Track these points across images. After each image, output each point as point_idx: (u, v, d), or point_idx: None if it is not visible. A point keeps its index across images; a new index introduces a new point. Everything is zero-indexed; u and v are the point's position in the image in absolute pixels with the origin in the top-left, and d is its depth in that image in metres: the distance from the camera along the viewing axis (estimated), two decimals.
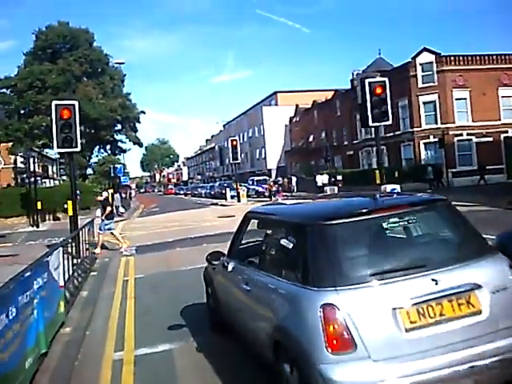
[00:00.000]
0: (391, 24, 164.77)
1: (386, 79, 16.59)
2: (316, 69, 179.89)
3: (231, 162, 35.90)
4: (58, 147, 12.89)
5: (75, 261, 10.54)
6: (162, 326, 6.67)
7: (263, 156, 67.42)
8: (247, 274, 4.85)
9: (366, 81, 15.19)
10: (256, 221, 5.56)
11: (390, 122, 15.93)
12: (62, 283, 7.24)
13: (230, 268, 5.34)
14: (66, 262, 8.03)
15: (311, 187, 45.02)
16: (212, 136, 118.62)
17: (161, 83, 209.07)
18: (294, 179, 54.39)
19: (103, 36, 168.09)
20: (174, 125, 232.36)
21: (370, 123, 14.92)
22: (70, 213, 14.19)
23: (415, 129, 38.16)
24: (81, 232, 12.64)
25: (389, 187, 14.56)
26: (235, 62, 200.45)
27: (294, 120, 63.61)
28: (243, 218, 5.76)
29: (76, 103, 13.10)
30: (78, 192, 32.90)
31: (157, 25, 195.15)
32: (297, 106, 62.50)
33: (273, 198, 36.30)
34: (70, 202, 14.48)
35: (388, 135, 40.05)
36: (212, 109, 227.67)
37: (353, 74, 52.51)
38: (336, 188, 35.91)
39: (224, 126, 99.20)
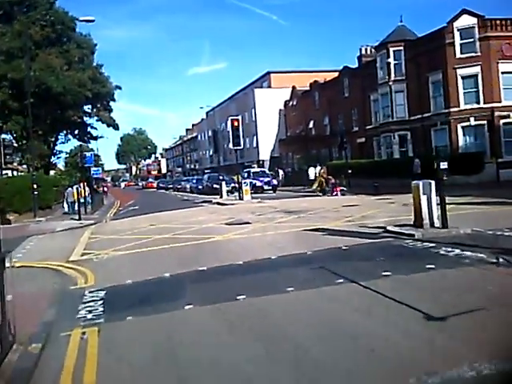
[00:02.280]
0: None
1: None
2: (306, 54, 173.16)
3: (232, 147, 28.55)
4: None
5: None
6: None
7: (254, 145, 60.21)
8: None
9: None
10: None
11: None
12: None
13: None
14: None
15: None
16: (193, 125, 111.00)
17: (136, 74, 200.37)
18: (280, 172, 47.40)
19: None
20: (150, 116, 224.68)
21: None
22: None
23: (451, 109, 31.40)
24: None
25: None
26: (212, 53, 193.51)
27: (290, 104, 56.48)
28: None
29: None
30: (35, 186, 25.93)
31: (132, 15, 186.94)
32: (293, 87, 55.36)
33: (327, 195, 28.99)
34: None
35: (413, 118, 33.37)
36: (189, 101, 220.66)
37: (361, 51, 45.88)
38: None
39: (207, 113, 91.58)
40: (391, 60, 35.41)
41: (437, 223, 11.16)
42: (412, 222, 11.82)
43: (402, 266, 8.04)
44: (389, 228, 11.79)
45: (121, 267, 10.53)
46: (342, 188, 29.02)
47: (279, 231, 13.76)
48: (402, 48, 35.05)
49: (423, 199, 11.13)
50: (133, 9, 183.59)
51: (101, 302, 7.66)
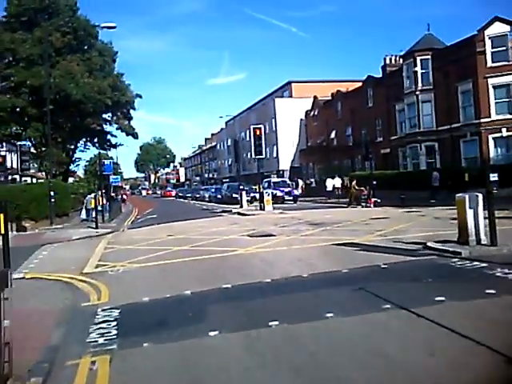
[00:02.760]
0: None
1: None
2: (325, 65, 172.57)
3: (253, 157, 27.70)
4: None
5: None
6: None
7: (274, 155, 59.33)
8: None
9: None
10: None
11: None
12: None
13: None
14: None
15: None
16: (212, 134, 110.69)
17: (155, 84, 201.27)
18: (300, 182, 46.40)
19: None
20: (169, 126, 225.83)
21: None
22: None
23: (482, 119, 30.14)
24: None
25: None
26: (230, 64, 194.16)
27: (312, 114, 55.56)
28: None
29: None
30: (52, 194, 25.36)
31: (151, 25, 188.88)
32: (315, 97, 54.44)
33: (361, 205, 27.97)
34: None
35: (441, 128, 32.18)
36: (208, 111, 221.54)
37: (385, 60, 44.86)
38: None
39: (226, 123, 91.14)
40: (418, 69, 34.34)
41: (484, 240, 10.12)
42: (455, 239, 10.80)
43: (455, 290, 7.05)
44: (429, 244, 10.77)
45: (137, 282, 9.70)
46: (375, 200, 27.88)
47: (306, 245, 12.81)
48: (429, 57, 33.97)
49: (469, 213, 10.10)
50: (151, 20, 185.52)
51: (114, 323, 6.81)
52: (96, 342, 6.01)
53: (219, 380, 4.67)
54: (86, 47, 36.52)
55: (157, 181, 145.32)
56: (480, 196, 10.21)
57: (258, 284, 8.47)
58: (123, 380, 4.88)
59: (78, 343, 5.98)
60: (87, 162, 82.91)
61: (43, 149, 33.49)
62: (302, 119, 58.18)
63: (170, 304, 7.70)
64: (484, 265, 8.62)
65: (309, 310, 6.60)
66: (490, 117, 29.94)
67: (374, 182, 31.36)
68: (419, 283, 7.71)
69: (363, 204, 28.09)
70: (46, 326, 6.96)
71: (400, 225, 16.08)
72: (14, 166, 46.86)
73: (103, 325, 6.74)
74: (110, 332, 6.38)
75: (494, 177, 9.97)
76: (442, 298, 6.56)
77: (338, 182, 38.48)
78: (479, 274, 8.14)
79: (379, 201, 27.80)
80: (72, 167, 43.06)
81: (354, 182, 29.60)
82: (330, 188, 38.14)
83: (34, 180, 45.67)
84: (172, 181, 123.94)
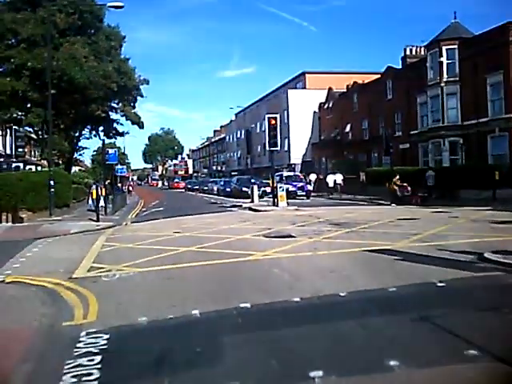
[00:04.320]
0: None
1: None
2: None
3: (268, 148, 25.84)
4: None
5: None
6: None
7: (286, 148, 57.30)
8: None
9: None
10: None
11: None
12: None
13: None
14: None
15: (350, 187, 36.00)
16: (221, 126, 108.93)
17: (164, 76, 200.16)
18: (313, 177, 44.40)
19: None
20: (177, 118, 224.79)
21: None
22: None
23: None
24: None
25: None
26: (241, 57, 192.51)
27: (326, 106, 53.59)
28: None
29: None
30: (51, 183, 23.72)
31: (161, 17, 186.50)
32: (330, 88, 52.46)
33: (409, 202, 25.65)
34: None
35: (467, 123, 30.18)
36: (217, 103, 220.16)
37: (405, 51, 42.90)
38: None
39: (236, 114, 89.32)
40: (444, 59, 32.28)
41: None
42: None
43: None
44: (487, 256, 8.93)
45: (135, 293, 7.93)
46: (421, 195, 25.73)
47: (334, 251, 11.00)
48: (456, 46, 31.89)
49: None
50: (161, 11, 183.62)
51: (99, 358, 5.05)
52: None
53: None
54: (92, 30, 34.73)
55: (164, 172, 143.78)
56: None
57: (285, 304, 6.68)
58: None
59: None
60: (94, 151, 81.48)
61: (45, 136, 31.84)
62: (315, 112, 56.20)
63: (173, 330, 5.93)
64: None
65: (362, 353, 4.81)
66: None
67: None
68: (500, 314, 5.89)
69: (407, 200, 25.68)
70: (8, 357, 5.26)
71: (436, 228, 14.21)
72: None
73: (83, 360, 4.98)
74: (90, 374, 4.63)
75: None
76: None
77: (339, 177, 37.54)
78: None
79: (426, 195, 25.62)
80: (76, 156, 41.38)
81: (396, 178, 27.24)
82: (331, 184, 37.40)
83: (39, 168, 44.16)
84: (180, 172, 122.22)
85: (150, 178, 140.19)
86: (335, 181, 37.26)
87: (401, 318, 5.80)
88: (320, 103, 54.92)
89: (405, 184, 26.63)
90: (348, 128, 48.26)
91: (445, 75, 32.51)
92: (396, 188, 26.69)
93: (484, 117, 30.05)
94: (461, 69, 31.84)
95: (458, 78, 32.02)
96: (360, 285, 7.54)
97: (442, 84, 32.49)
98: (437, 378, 4.24)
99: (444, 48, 32.19)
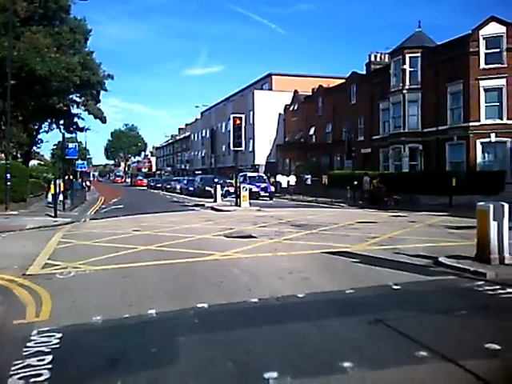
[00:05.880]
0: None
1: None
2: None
3: (232, 148, 25.76)
4: None
5: None
6: None
7: (250, 149, 57.37)
8: None
9: None
10: None
11: None
12: None
13: None
14: None
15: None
16: (186, 125, 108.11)
17: (130, 72, 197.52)
18: (286, 179, 44.80)
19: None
20: (142, 114, 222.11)
21: None
22: None
23: (471, 123, 28.93)
24: None
25: None
26: (208, 56, 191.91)
27: (291, 108, 53.95)
28: None
29: None
30: (7, 176, 23.01)
31: (129, 13, 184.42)
32: (295, 91, 52.83)
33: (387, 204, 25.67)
34: None
35: (427, 130, 30.92)
36: (183, 101, 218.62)
37: (370, 57, 43.63)
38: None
39: (201, 113, 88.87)
40: (407, 67, 32.94)
41: (509, 259, 8.56)
42: (467, 254, 9.26)
43: (507, 331, 5.41)
44: (442, 260, 9.14)
45: (90, 292, 7.77)
46: (395, 197, 26.07)
47: (294, 252, 11.06)
48: (419, 55, 32.59)
49: (493, 226, 8.50)
50: (129, 7, 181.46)
51: (49, 357, 4.93)
52: None
53: None
54: (56, 21, 33.89)
55: (127, 169, 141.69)
56: (506, 206, 8.62)
57: (243, 305, 6.67)
58: None
59: None
60: (54, 145, 79.71)
61: (3, 127, 30.87)
62: (280, 114, 56.47)
63: (129, 329, 5.84)
64: None
65: (317, 354, 4.84)
66: (479, 120, 28.75)
67: (356, 182, 29.70)
68: (451, 317, 6.03)
69: (385, 203, 25.97)
70: None
71: (394, 232, 14.49)
72: None
73: (33, 360, 4.85)
74: (39, 375, 4.50)
75: None
76: (497, 347, 4.87)
77: (292, 179, 40.23)
78: None
79: (399, 198, 26.02)
80: (35, 149, 40.30)
81: (376, 180, 27.48)
82: (284, 185, 39.71)
83: None
84: (144, 169, 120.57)
85: (113, 175, 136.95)
86: (288, 182, 39.28)
87: (356, 320, 5.87)
88: (285, 105, 55.24)
89: (382, 185, 26.97)
90: (312, 131, 48.70)
91: (407, 82, 33.18)
92: (376, 189, 26.98)
93: (443, 124, 30.80)
94: (423, 77, 32.57)
95: (419, 86, 32.73)
96: (318, 286, 7.60)
97: (404, 91, 33.15)
98: (389, 378, 4.30)
99: (407, 56, 32.86)
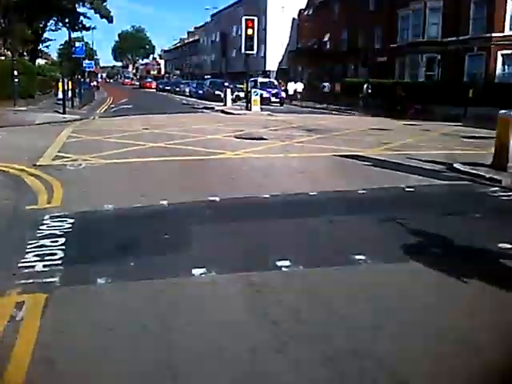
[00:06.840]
0: None
1: None
2: None
3: (244, 51, 24.80)
4: None
5: None
6: None
7: (262, 54, 55.61)
8: None
9: None
10: None
11: None
12: None
13: None
14: None
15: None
16: (195, 28, 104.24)
17: None
18: (300, 85, 43.63)
19: None
20: (149, 16, 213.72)
21: None
22: None
23: (494, 34, 27.55)
24: None
25: None
26: None
27: (306, 13, 51.60)
28: None
29: None
30: (15, 73, 22.56)
31: None
32: None
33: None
34: None
35: (446, 40, 29.61)
36: (192, 4, 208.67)
37: None
38: None
39: (212, 16, 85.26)
40: None
41: None
42: (483, 162, 9.10)
43: None
44: (457, 166, 9.00)
45: (102, 182, 7.78)
46: (416, 106, 25.17)
47: (306, 154, 10.94)
48: None
49: None
50: None
51: (63, 239, 4.96)
52: (33, 267, 4.18)
53: (205, 354, 2.92)
54: None
55: (135, 71, 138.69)
56: None
57: (254, 199, 6.65)
58: (56, 339, 3.10)
59: (4, 267, 4.15)
60: (61, 44, 77.63)
61: (5, 25, 29.81)
62: (294, 18, 54.13)
63: (141, 217, 5.86)
64: None
65: (329, 247, 4.84)
66: (503, 31, 27.40)
67: (370, 90, 28.75)
68: (465, 218, 5.99)
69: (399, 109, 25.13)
70: None
71: (407, 139, 14.23)
72: None
73: (47, 241, 4.88)
74: (54, 254, 4.54)
75: None
76: (509, 246, 4.84)
77: (300, 86, 38.87)
78: None
79: (419, 107, 25.13)
80: (41, 47, 39.22)
81: (399, 87, 26.38)
82: (291, 92, 38.17)
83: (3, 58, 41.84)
84: (153, 72, 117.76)
85: (123, 76, 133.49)
86: (295, 89, 37.96)
87: (368, 217, 5.84)
88: (300, 9, 52.79)
89: (403, 94, 26.03)
90: (326, 38, 46.90)
91: None
92: (398, 96, 25.96)
93: (464, 35, 29.45)
94: None
95: None
96: (328, 185, 7.54)
97: None
98: (400, 269, 4.31)
99: None
